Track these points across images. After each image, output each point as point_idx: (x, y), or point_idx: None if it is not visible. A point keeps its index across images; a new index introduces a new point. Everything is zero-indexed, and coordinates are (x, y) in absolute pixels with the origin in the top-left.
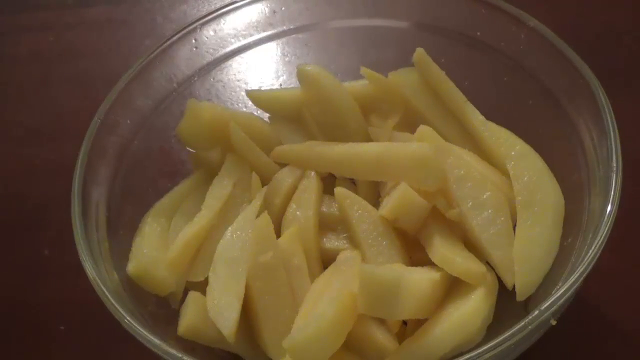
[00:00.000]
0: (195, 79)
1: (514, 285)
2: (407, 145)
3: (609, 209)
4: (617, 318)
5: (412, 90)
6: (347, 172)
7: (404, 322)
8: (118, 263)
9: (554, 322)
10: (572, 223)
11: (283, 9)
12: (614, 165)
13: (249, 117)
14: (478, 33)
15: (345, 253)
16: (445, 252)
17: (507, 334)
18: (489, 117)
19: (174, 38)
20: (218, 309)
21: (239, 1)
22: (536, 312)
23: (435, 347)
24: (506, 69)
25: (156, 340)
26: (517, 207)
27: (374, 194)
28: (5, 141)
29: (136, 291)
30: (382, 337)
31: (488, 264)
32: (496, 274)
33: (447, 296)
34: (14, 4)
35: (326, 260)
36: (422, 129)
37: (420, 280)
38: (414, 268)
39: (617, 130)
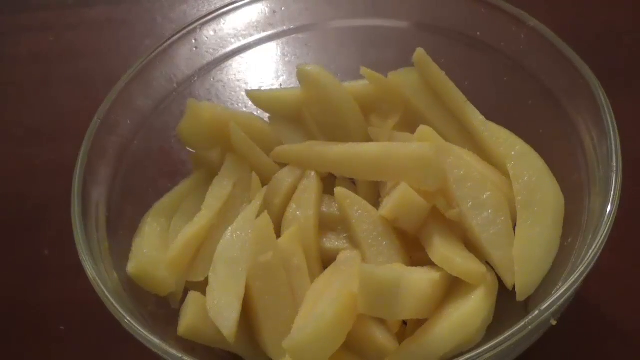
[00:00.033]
0: (195, 79)
1: (514, 285)
2: (407, 145)
3: (609, 209)
4: (617, 318)
5: (412, 90)
6: (347, 172)
7: (404, 322)
8: (118, 263)
9: (554, 322)
10: (572, 223)
11: (283, 9)
12: (614, 165)
13: (249, 117)
14: (478, 33)
15: (345, 253)
16: (445, 252)
17: (507, 334)
18: (489, 117)
19: (174, 38)
20: (218, 309)
21: (239, 1)
22: (536, 312)
23: (435, 347)
24: (506, 69)
25: (156, 340)
26: (517, 207)
27: (374, 194)
28: (5, 141)
29: (136, 291)
30: (382, 337)
31: (488, 264)
32: (496, 274)
33: (447, 296)
34: (14, 4)
35: (326, 260)
36: (422, 129)
37: (420, 280)
38: (414, 268)
39: (617, 130)
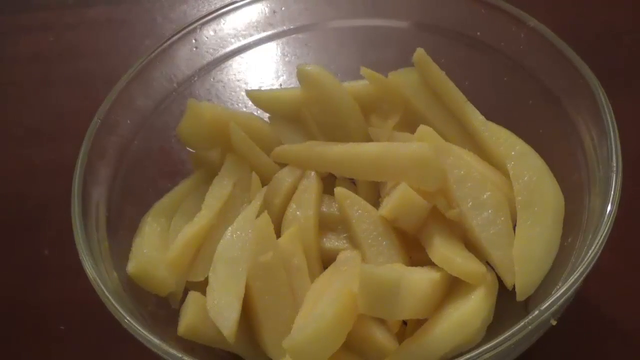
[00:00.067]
0: (195, 79)
1: (514, 285)
2: (407, 145)
3: (609, 209)
4: (617, 318)
5: (412, 90)
6: (347, 172)
7: (404, 322)
8: (118, 263)
9: (554, 322)
10: (572, 223)
11: (283, 9)
12: (614, 165)
13: (249, 117)
14: (478, 33)
15: (345, 253)
16: (445, 252)
17: (507, 334)
18: (489, 117)
19: (174, 38)
20: (218, 309)
21: (239, 1)
22: (536, 312)
23: (435, 347)
24: (506, 69)
25: (156, 340)
26: (517, 207)
27: (374, 194)
28: (5, 141)
29: (136, 291)
30: (382, 337)
31: (488, 264)
32: (496, 274)
33: (447, 296)
34: (14, 4)
35: (326, 260)
36: (422, 129)
37: (420, 280)
38: (414, 268)
39: (617, 130)
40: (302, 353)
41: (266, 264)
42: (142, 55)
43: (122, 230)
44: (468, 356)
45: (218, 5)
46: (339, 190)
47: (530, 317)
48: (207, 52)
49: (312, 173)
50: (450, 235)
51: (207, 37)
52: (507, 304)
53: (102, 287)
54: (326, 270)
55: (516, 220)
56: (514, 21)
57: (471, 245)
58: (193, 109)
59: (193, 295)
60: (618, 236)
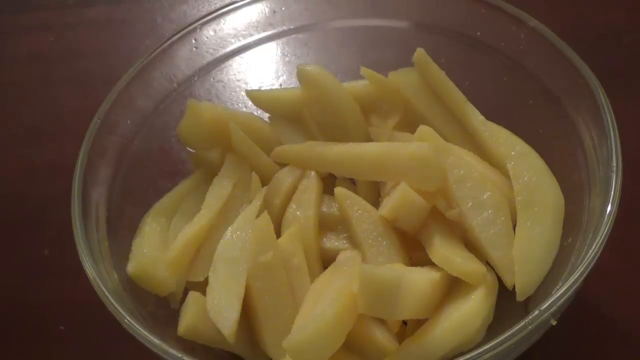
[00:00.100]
0: (195, 79)
1: (514, 285)
2: (407, 145)
3: (609, 209)
4: (617, 318)
5: (412, 90)
6: (347, 172)
7: (404, 322)
8: (118, 263)
9: (554, 322)
10: (572, 223)
11: (283, 9)
12: (614, 165)
13: (249, 117)
14: (478, 33)
15: (345, 253)
16: (445, 252)
17: (507, 334)
18: (489, 117)
19: (174, 38)
20: (218, 309)
21: (239, 1)
22: (536, 312)
23: (435, 347)
24: (506, 69)
25: (156, 340)
26: (517, 207)
27: (374, 194)
28: (5, 141)
29: (136, 291)
30: (382, 337)
31: (488, 264)
32: (496, 274)
33: (447, 296)
34: (14, 4)
35: (326, 260)
36: (422, 129)
37: (420, 280)
38: (414, 268)
39: (617, 130)
40: (302, 353)
41: (266, 264)
42: (142, 55)
43: (122, 230)
44: (468, 356)
45: (218, 5)
46: (339, 190)
47: (530, 317)
48: (207, 52)
49: (312, 173)
50: (450, 235)
51: (207, 37)
52: (507, 304)
53: (102, 287)
54: (326, 270)
55: (516, 220)
56: (514, 21)
57: (471, 246)
58: (193, 109)
59: (193, 295)
60: (618, 236)
